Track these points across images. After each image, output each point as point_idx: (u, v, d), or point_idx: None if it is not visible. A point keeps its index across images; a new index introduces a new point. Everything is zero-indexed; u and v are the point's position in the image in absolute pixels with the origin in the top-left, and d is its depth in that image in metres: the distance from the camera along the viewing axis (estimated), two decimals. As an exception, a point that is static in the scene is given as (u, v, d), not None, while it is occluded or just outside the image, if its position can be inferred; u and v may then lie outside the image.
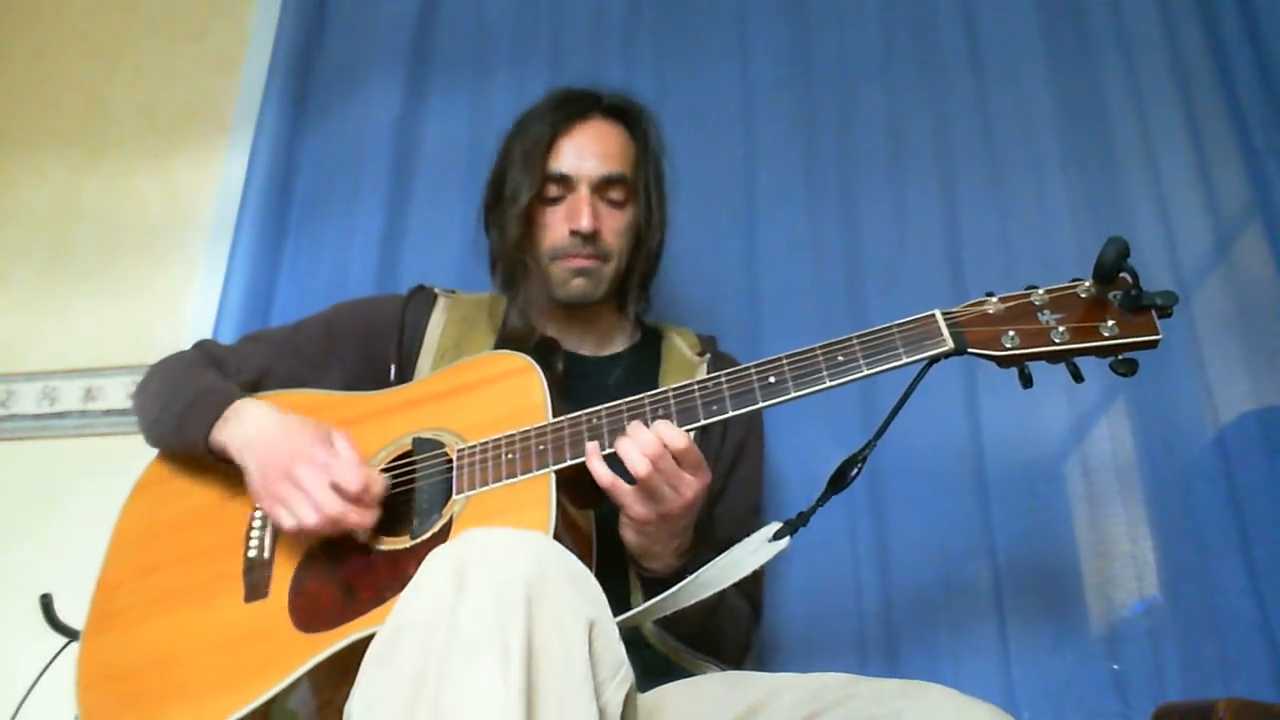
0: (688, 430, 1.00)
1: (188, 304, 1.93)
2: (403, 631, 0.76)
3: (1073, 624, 1.43)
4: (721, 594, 1.02)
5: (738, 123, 1.81)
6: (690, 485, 1.01)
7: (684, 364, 1.32)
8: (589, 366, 1.32)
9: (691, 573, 1.02)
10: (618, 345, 1.37)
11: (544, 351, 1.23)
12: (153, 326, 1.95)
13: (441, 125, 1.93)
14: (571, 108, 1.31)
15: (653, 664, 1.13)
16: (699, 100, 1.82)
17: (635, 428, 1.00)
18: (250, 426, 1.10)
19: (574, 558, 0.82)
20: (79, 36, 2.24)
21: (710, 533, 1.19)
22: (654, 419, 1.01)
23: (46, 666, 1.20)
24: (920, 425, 1.53)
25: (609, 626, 0.80)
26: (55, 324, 2.01)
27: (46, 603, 1.20)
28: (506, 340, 1.28)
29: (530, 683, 0.71)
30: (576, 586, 0.79)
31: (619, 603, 1.01)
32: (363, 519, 1.03)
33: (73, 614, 1.18)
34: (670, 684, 1.05)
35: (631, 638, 1.11)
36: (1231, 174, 1.61)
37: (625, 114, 1.34)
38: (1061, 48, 1.74)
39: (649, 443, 0.98)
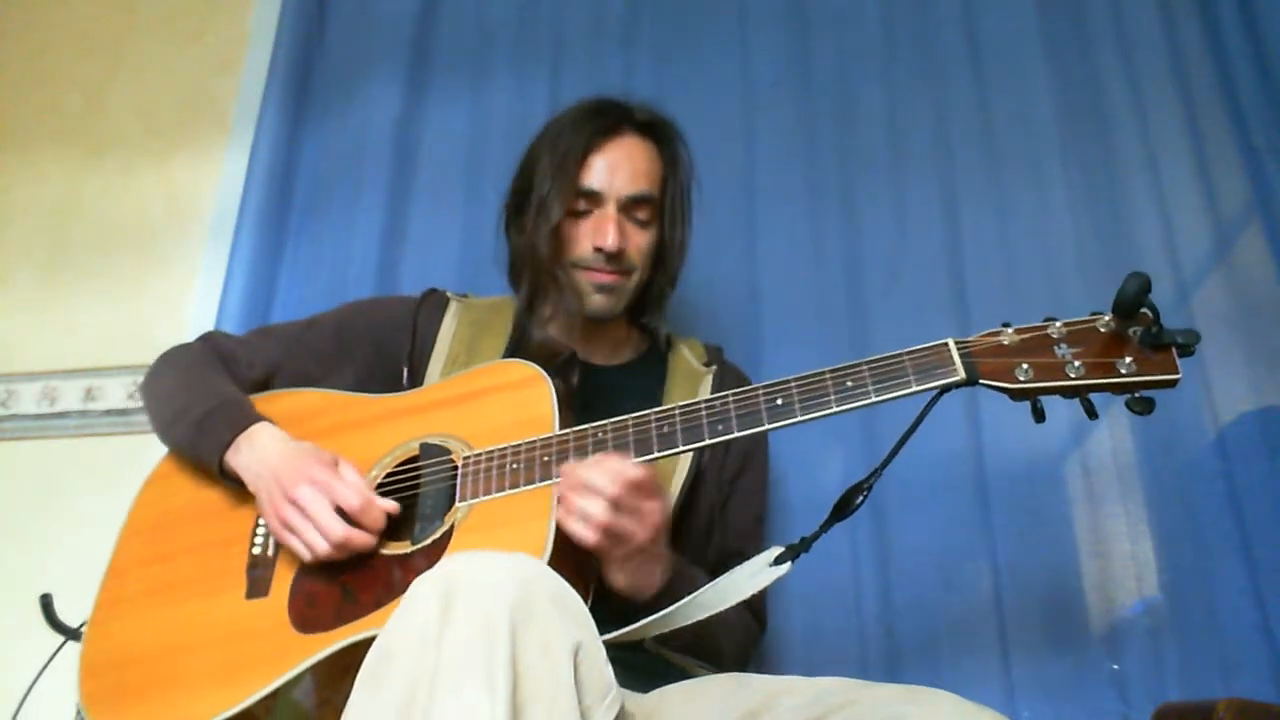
0: (689, 449, 1.01)
1: (188, 304, 1.93)
2: (390, 657, 0.76)
3: (1073, 624, 1.42)
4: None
5: (738, 123, 1.81)
6: (654, 511, 1.01)
7: (690, 374, 1.32)
8: (598, 375, 1.32)
9: (677, 587, 1.03)
10: (626, 355, 1.38)
11: (564, 366, 1.22)
12: (153, 326, 1.95)
13: (441, 125, 1.93)
14: (604, 120, 1.29)
15: (653, 668, 1.12)
16: (699, 100, 1.82)
17: (590, 467, 0.99)
18: (260, 454, 1.11)
19: (560, 579, 0.82)
20: (79, 36, 2.24)
21: (688, 545, 1.19)
22: (658, 436, 1.01)
23: (46, 664, 1.20)
24: (920, 426, 1.52)
25: (595, 649, 0.79)
26: (55, 324, 2.00)
27: (46, 603, 1.20)
28: (530, 355, 1.26)
29: (516, 709, 0.71)
30: (562, 610, 0.78)
31: (620, 616, 1.02)
32: (367, 541, 1.04)
33: (73, 614, 1.18)
34: (671, 685, 1.04)
35: (632, 643, 1.11)
36: (1231, 174, 1.61)
37: (656, 131, 1.33)
38: (1061, 48, 1.74)
39: (605, 485, 0.97)
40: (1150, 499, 1.46)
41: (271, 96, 1.97)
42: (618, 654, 0.85)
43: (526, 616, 0.75)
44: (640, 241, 1.29)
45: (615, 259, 1.26)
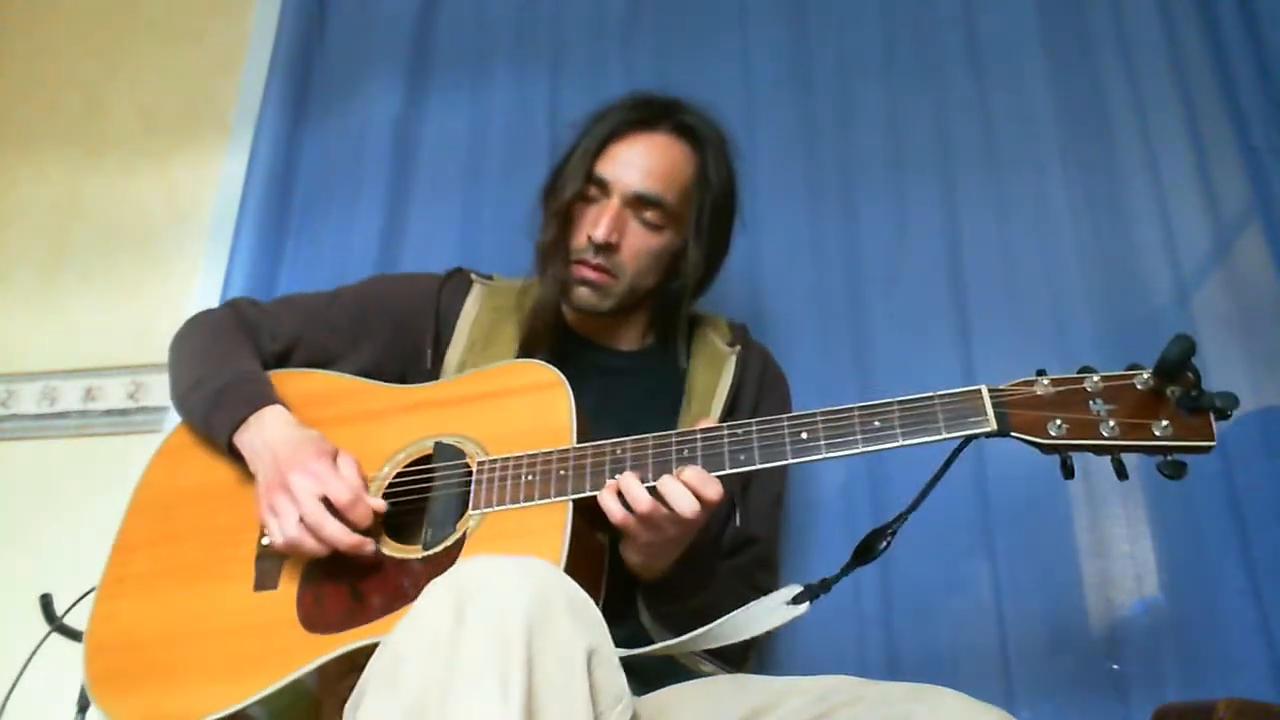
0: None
1: (188, 304, 1.92)
2: (403, 661, 0.76)
3: (1073, 624, 1.42)
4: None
5: (738, 123, 1.78)
6: (700, 515, 0.98)
7: (714, 357, 1.30)
8: (619, 361, 1.31)
9: (690, 570, 1.04)
10: (649, 339, 1.36)
11: (560, 337, 1.23)
12: (153, 326, 1.94)
13: (441, 125, 1.93)
14: (641, 113, 1.28)
15: (660, 669, 1.12)
16: (699, 101, 1.81)
17: (667, 484, 0.96)
18: (266, 437, 1.11)
19: (573, 584, 0.82)
20: (79, 36, 2.24)
21: (719, 529, 1.17)
22: (678, 460, 0.98)
23: (32, 654, 1.20)
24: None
25: (609, 654, 0.79)
26: (55, 324, 2.01)
27: (46, 603, 1.20)
28: (528, 329, 1.26)
29: (530, 713, 0.71)
30: (576, 615, 0.78)
31: (627, 625, 1.03)
32: (339, 532, 1.02)
33: (73, 614, 1.18)
34: (674, 685, 1.05)
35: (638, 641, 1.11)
36: (1231, 174, 1.61)
37: (694, 135, 1.29)
38: (1061, 48, 1.74)
39: (681, 497, 0.96)
40: (1150, 499, 1.46)
41: (271, 96, 1.97)
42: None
43: (541, 620, 0.75)
44: (641, 244, 1.25)
45: (603, 252, 1.22)
